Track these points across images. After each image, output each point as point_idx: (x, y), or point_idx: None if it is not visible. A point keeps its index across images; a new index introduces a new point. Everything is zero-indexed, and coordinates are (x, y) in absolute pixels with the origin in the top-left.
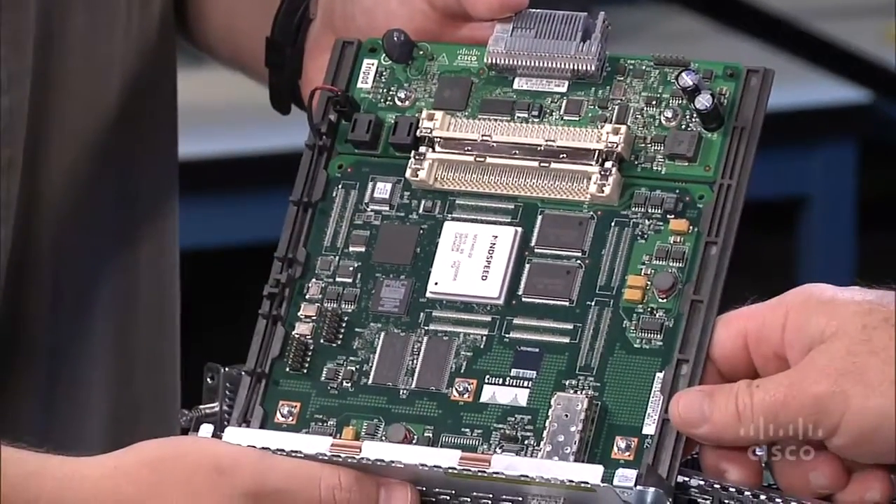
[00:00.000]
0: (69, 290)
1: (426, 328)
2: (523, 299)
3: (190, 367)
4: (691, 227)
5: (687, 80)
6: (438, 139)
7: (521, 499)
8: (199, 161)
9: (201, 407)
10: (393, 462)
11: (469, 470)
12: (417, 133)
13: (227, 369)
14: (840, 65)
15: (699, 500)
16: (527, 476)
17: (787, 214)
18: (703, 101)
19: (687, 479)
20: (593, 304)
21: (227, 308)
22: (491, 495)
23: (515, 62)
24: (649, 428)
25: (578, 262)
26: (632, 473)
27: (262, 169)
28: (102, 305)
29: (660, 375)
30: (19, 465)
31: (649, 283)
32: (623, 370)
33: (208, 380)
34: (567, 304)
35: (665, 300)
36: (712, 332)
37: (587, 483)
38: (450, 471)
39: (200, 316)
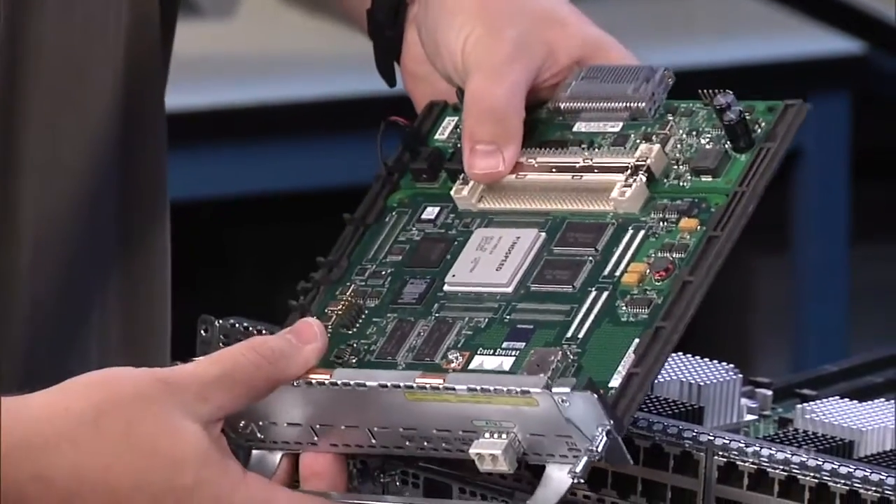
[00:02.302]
0: (50, 248)
1: (437, 315)
2: (531, 288)
3: (181, 319)
4: (700, 227)
5: (721, 100)
6: None
7: (475, 433)
8: (189, 113)
9: (195, 359)
10: (358, 385)
11: (425, 387)
12: None
13: (220, 322)
14: (834, 16)
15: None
16: (475, 388)
17: (781, 166)
18: (731, 114)
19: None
20: (594, 289)
21: (214, 259)
22: (448, 431)
23: (576, 105)
24: (615, 381)
25: (591, 258)
26: (571, 381)
27: (254, 120)
28: (80, 263)
29: (637, 340)
30: None
31: (649, 269)
32: (605, 338)
33: (202, 332)
34: (570, 290)
35: (660, 282)
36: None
37: (528, 392)
38: (407, 390)
39: (189, 267)
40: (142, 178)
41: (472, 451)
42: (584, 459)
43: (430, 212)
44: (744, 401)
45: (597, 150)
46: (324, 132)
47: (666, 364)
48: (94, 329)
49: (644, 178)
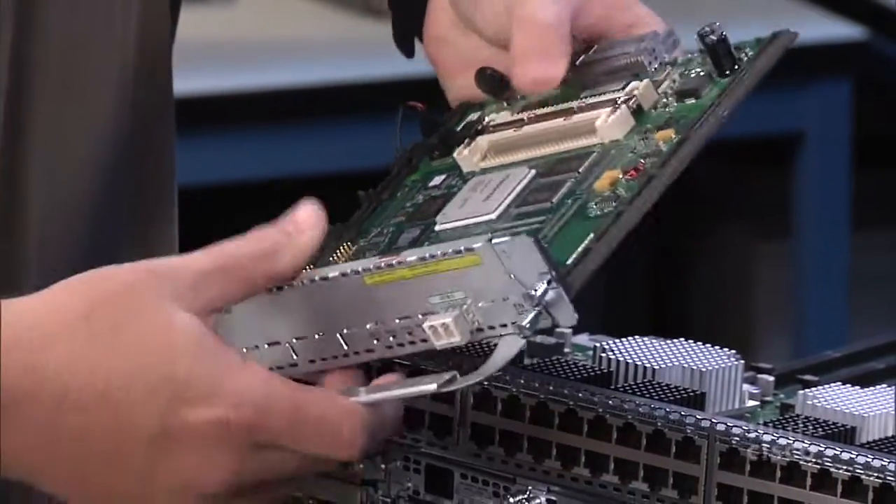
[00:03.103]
0: (58, 238)
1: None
2: (513, 211)
3: None
4: (675, 135)
5: (706, 28)
6: (491, 127)
7: (433, 314)
8: (193, 98)
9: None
10: (322, 278)
11: (381, 266)
12: (479, 127)
13: None
14: (836, 2)
15: None
16: (424, 256)
17: (782, 151)
18: (713, 36)
19: None
20: (570, 200)
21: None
22: (408, 317)
23: (583, 72)
24: (571, 259)
25: (572, 179)
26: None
27: (258, 106)
28: (88, 252)
29: (601, 227)
30: None
31: (621, 174)
32: (571, 231)
33: None
34: (548, 205)
35: (630, 181)
36: None
37: (471, 248)
38: (366, 273)
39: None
40: (151, 169)
41: (426, 325)
42: (531, 314)
43: (437, 179)
44: (745, 387)
45: (592, 98)
46: (328, 117)
47: (667, 350)
48: None
49: (631, 108)
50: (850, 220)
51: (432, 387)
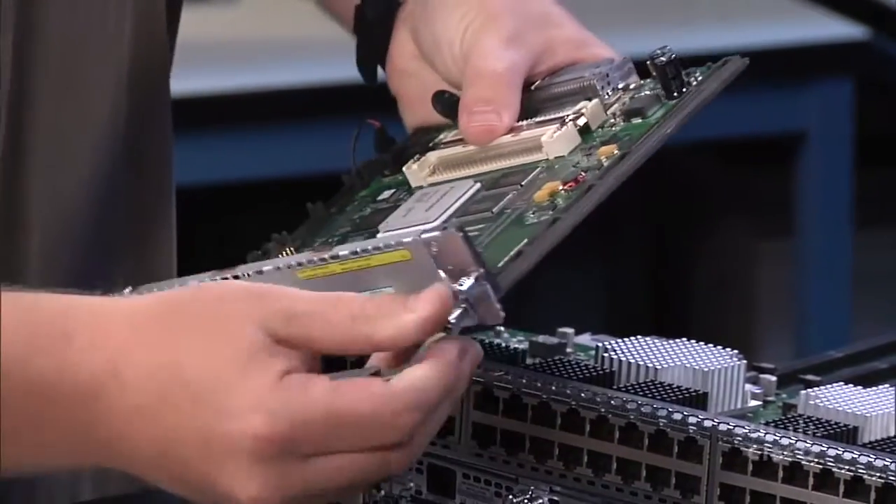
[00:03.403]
0: (58, 237)
1: None
2: (454, 221)
3: None
4: (616, 151)
5: (657, 51)
6: (441, 144)
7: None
8: (194, 98)
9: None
10: (257, 272)
11: (313, 260)
12: (430, 144)
13: None
14: (837, 1)
15: None
16: (356, 250)
17: (784, 151)
18: (662, 58)
19: None
20: (510, 211)
21: (219, 245)
22: None
23: (539, 94)
24: (504, 261)
25: (514, 192)
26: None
27: (260, 106)
28: (88, 251)
29: (535, 232)
30: (53, 301)
31: (561, 185)
32: (506, 236)
33: None
34: (489, 215)
35: (568, 192)
36: None
37: (401, 243)
38: (297, 267)
39: (193, 252)
40: (149, 168)
41: None
42: (457, 310)
43: (386, 193)
44: (748, 386)
45: (542, 117)
46: (331, 117)
47: (669, 350)
48: None
49: (577, 126)
50: (852, 219)
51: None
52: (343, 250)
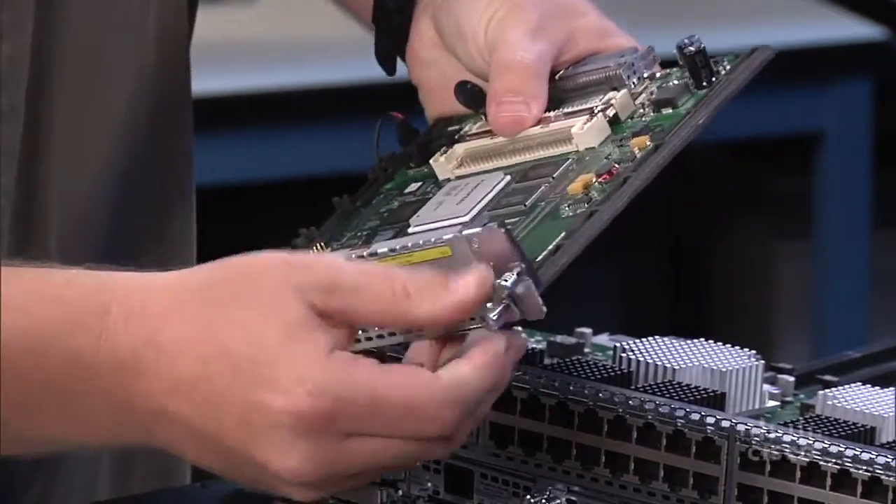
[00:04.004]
0: (76, 235)
1: None
2: (486, 214)
3: None
4: (649, 143)
5: (685, 40)
6: (467, 136)
7: None
8: (210, 98)
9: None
10: None
11: (352, 258)
12: (455, 136)
13: None
14: (856, 2)
15: None
16: (395, 248)
17: (802, 151)
18: (691, 48)
19: None
20: (543, 203)
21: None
22: None
23: (565, 84)
24: (542, 255)
25: (546, 184)
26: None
27: (276, 106)
28: (107, 250)
29: (573, 225)
30: (87, 277)
31: (595, 177)
32: (543, 230)
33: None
34: (522, 208)
35: (603, 184)
36: None
37: (441, 239)
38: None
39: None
40: (168, 167)
41: None
42: (499, 306)
43: (413, 186)
44: (766, 387)
45: (570, 108)
46: (345, 117)
47: (687, 350)
48: None
49: (607, 117)
50: (871, 219)
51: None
52: (382, 247)
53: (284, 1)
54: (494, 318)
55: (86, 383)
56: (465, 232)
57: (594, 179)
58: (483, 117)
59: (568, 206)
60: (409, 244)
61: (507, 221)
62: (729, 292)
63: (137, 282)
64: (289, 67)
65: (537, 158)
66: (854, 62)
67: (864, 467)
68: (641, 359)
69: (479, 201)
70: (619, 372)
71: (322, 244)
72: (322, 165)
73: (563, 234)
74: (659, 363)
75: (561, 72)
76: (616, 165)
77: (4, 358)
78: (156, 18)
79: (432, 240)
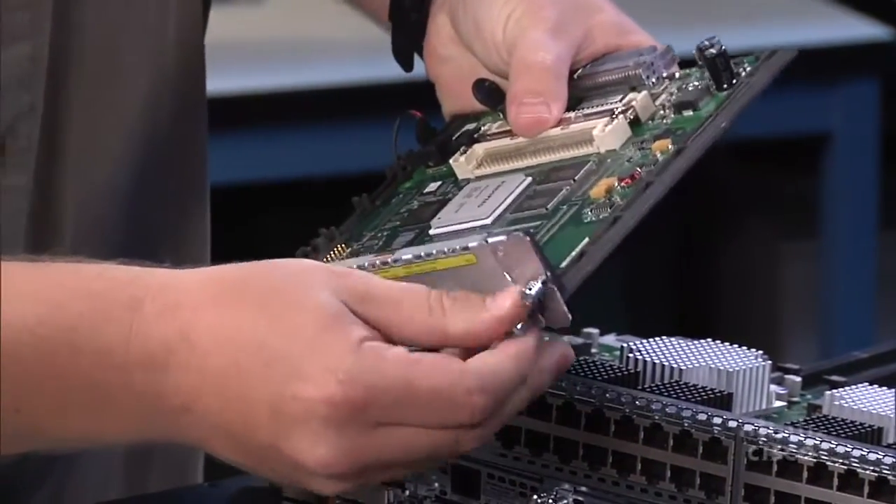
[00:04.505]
0: (91, 235)
1: None
2: (508, 216)
3: None
4: (671, 146)
5: (705, 42)
6: (487, 136)
7: None
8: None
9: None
10: None
11: (375, 263)
12: (475, 136)
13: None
14: (863, 2)
15: None
16: (419, 254)
17: (809, 151)
18: (712, 50)
19: None
20: (565, 206)
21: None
22: None
23: (583, 83)
24: (566, 262)
25: (567, 187)
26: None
27: (284, 106)
28: (122, 251)
29: (595, 231)
30: (120, 271)
31: (617, 182)
32: (566, 235)
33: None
34: (543, 211)
35: (625, 188)
36: None
37: (467, 247)
38: (360, 270)
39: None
40: (184, 165)
41: None
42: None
43: (432, 186)
44: (773, 387)
45: (589, 108)
46: (356, 117)
47: (694, 350)
48: None
49: (628, 118)
50: (878, 219)
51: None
52: (406, 254)
53: (292, 1)
54: (519, 326)
55: (115, 378)
56: (490, 240)
57: (616, 183)
58: (501, 115)
59: (591, 211)
60: (434, 251)
61: (528, 226)
62: (736, 293)
63: (172, 277)
64: (296, 67)
65: (558, 160)
66: (861, 62)
67: (871, 467)
68: (648, 359)
69: (501, 203)
70: (625, 372)
71: (342, 246)
72: (329, 165)
73: (586, 241)
74: (666, 363)
75: (579, 70)
76: (638, 169)
77: (44, 352)
78: (173, 20)
79: (457, 247)
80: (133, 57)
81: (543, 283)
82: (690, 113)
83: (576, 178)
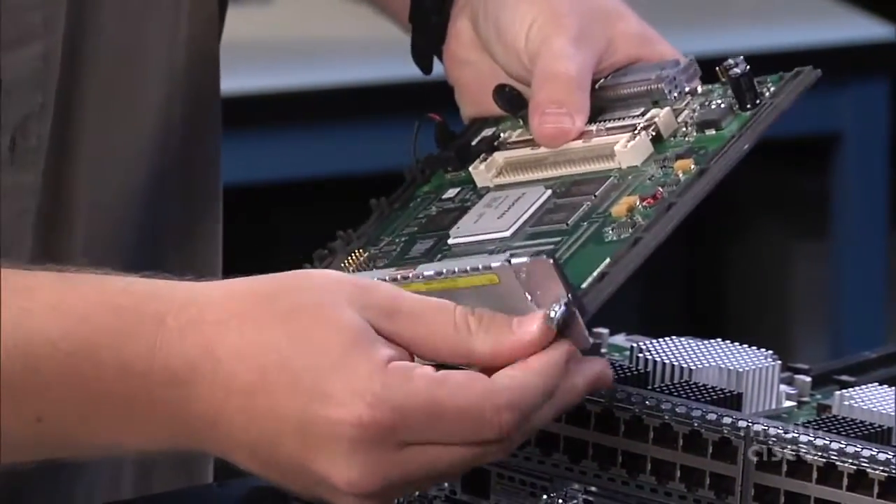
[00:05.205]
0: (103, 235)
1: (437, 261)
2: (527, 230)
3: None
4: (694, 166)
5: (730, 61)
6: (507, 144)
7: None
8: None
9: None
10: None
11: (396, 278)
12: (495, 143)
13: None
14: (872, 1)
15: None
16: (441, 271)
17: (819, 151)
18: (737, 69)
19: None
20: (585, 223)
21: (253, 244)
22: None
23: (604, 95)
24: (587, 283)
25: (588, 203)
26: (530, 253)
27: (293, 105)
28: (133, 251)
29: (616, 251)
30: (143, 285)
31: (638, 200)
32: (586, 255)
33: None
34: (564, 227)
35: (647, 208)
36: None
37: (489, 267)
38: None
39: (230, 251)
40: (197, 167)
41: None
42: None
43: (451, 192)
44: (782, 387)
45: (611, 121)
46: (365, 117)
47: (704, 350)
48: None
49: (650, 135)
50: (888, 219)
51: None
52: (428, 270)
53: (300, 1)
54: None
55: (139, 392)
56: (513, 261)
57: (638, 202)
58: (521, 121)
59: (612, 230)
60: (456, 269)
61: (548, 241)
62: (746, 292)
63: (195, 291)
64: (303, 67)
65: (579, 173)
66: (872, 63)
67: (881, 467)
68: (658, 359)
69: (521, 216)
70: (635, 372)
71: (360, 250)
72: (338, 165)
73: (607, 261)
74: (676, 363)
75: (601, 81)
76: (660, 189)
77: (67, 366)
78: (188, 21)
79: (479, 266)
80: (148, 57)
81: (566, 305)
82: (713, 132)
83: (597, 193)
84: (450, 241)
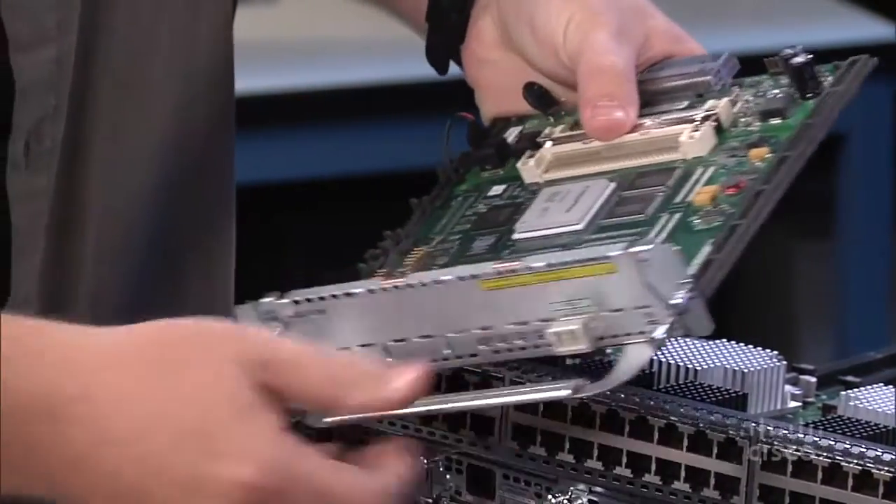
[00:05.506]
0: (115, 239)
1: (507, 256)
2: (599, 222)
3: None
4: (770, 153)
5: (788, 50)
6: (554, 139)
7: (552, 320)
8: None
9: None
10: (436, 282)
11: (502, 272)
12: (538, 139)
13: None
14: (876, 1)
15: None
16: (553, 263)
17: (824, 152)
18: (799, 58)
19: None
20: (666, 213)
21: (262, 244)
22: (524, 323)
23: (646, 88)
24: (692, 270)
25: (661, 193)
26: (651, 241)
27: (299, 106)
28: (146, 252)
29: (712, 239)
30: (30, 320)
31: (720, 189)
32: (679, 242)
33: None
34: (642, 217)
35: (732, 196)
36: None
37: (608, 257)
38: (486, 278)
39: (240, 252)
40: (210, 170)
41: (550, 331)
42: (666, 323)
43: (497, 189)
44: (787, 388)
45: (661, 115)
46: (373, 117)
47: (709, 351)
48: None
49: (713, 126)
50: (892, 220)
51: (564, 393)
52: (537, 262)
53: (305, 0)
54: (661, 335)
55: (18, 429)
56: (633, 249)
57: (720, 191)
58: (551, 119)
59: (699, 219)
60: (569, 259)
61: (627, 232)
62: (751, 293)
63: (79, 331)
64: (308, 67)
65: (640, 165)
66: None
67: (886, 468)
68: (663, 359)
69: (590, 209)
70: (640, 373)
71: (413, 248)
72: (349, 165)
73: (709, 249)
74: (681, 364)
75: (639, 76)
76: (742, 178)
77: None
78: (204, 23)
79: (594, 256)
80: (162, 60)
81: (690, 290)
82: (779, 121)
83: (668, 184)
84: (514, 237)
